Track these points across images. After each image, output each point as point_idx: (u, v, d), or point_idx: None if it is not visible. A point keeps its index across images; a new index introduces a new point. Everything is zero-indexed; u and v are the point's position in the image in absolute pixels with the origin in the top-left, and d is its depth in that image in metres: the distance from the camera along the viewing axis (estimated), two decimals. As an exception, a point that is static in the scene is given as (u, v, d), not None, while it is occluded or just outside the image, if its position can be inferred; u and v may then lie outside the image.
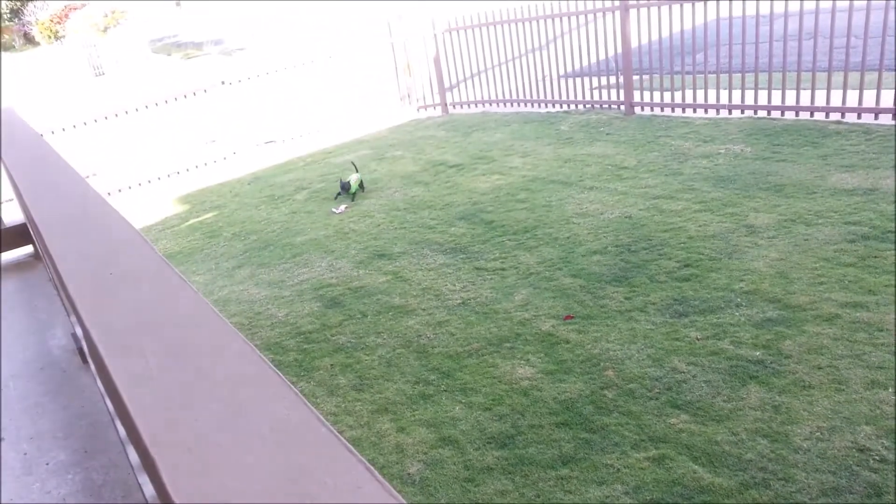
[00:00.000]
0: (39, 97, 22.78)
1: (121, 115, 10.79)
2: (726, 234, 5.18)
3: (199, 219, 8.73)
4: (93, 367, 2.71)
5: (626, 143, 7.92)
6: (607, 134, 8.47)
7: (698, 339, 3.96)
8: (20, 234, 4.38)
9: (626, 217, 5.86)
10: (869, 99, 6.96)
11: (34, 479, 2.67)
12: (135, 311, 1.30)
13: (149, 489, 1.83)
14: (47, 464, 2.76)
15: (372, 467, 0.79)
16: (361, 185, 8.02)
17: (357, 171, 8.14)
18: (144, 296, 1.35)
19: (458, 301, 5.01)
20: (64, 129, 10.53)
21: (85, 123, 10.63)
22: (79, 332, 2.99)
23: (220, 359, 1.07)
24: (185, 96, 11.14)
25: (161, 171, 11.20)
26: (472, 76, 11.39)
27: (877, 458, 2.91)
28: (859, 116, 7.04)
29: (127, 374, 1.06)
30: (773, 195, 5.70)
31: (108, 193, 10.50)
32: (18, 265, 4.62)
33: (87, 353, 2.95)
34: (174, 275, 1.40)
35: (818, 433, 3.11)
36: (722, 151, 6.98)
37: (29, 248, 4.67)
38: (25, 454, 2.80)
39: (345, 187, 7.85)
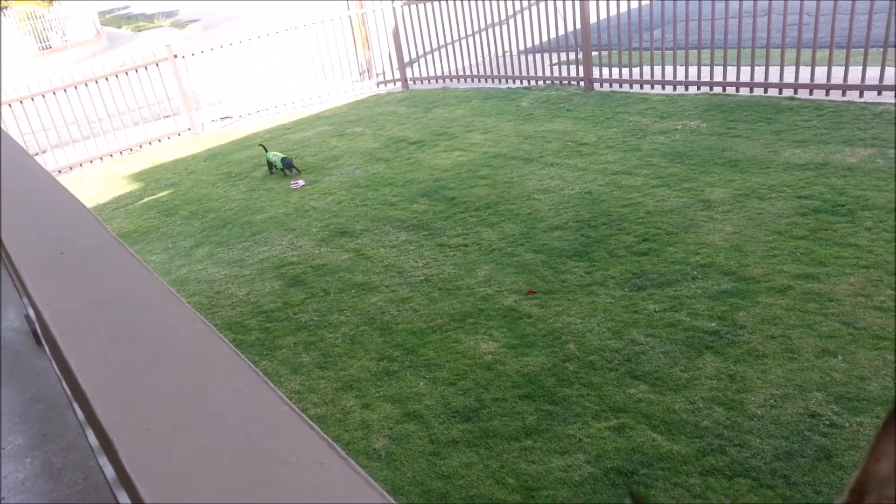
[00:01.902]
0: (-18, 72, 21.87)
1: (69, 89, 10.43)
2: (683, 208, 5.26)
3: (154, 197, 8.53)
4: (47, 349, 2.64)
5: (585, 120, 7.96)
6: (567, 110, 8.50)
7: (656, 312, 4.04)
8: (-35, 215, 4.22)
9: (585, 193, 5.91)
10: (820, 75, 7.11)
11: (-11, 465, 2.60)
12: (88, 292, 1.26)
13: (109, 471, 1.80)
14: (3, 448, 2.69)
15: (335, 444, 0.79)
16: (286, 165, 7.99)
17: (267, 151, 8.33)
18: (98, 276, 1.32)
19: (421, 277, 5.01)
20: (10, 105, 10.15)
21: (32, 99, 10.25)
22: (32, 313, 2.91)
23: (178, 339, 1.05)
24: (136, 70, 10.81)
25: (112, 148, 10.89)
26: (432, 51, 11.28)
27: (827, 422, 3.02)
28: (811, 93, 7.19)
29: (82, 357, 1.03)
30: (728, 170, 5.80)
31: (58, 171, 10.18)
32: (-35, 246, 4.45)
33: (41, 335, 2.88)
34: (129, 255, 1.37)
35: (771, 400, 3.21)
36: (679, 127, 7.08)
37: (-25, 229, 4.51)
38: (-22, 440, 2.72)
39: (288, 164, 7.90)
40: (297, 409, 0.82)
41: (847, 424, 2.99)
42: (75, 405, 2.33)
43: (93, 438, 2.03)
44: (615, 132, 7.32)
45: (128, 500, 1.53)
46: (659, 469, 2.96)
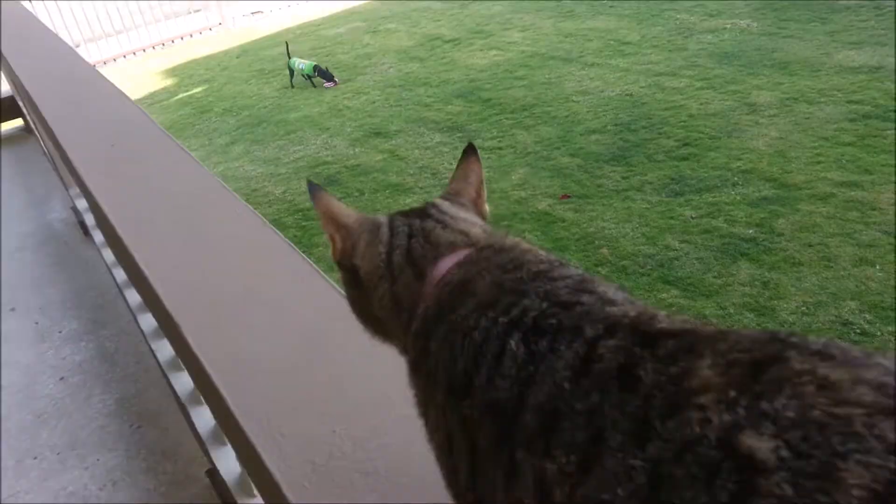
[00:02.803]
0: (11, -38, 21.47)
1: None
2: (727, 112, 5.11)
3: (189, 93, 8.52)
4: (97, 239, 2.74)
5: (629, 17, 7.63)
6: (611, 6, 8.14)
7: (692, 218, 4.01)
8: (8, 108, 4.29)
9: (626, 95, 5.75)
10: (885, -30, 6.66)
11: (48, 347, 2.77)
12: (143, 184, 1.30)
13: (162, 354, 1.91)
14: (60, 332, 2.85)
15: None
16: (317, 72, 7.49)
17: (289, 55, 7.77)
18: (150, 169, 1.35)
19: (455, 179, 5.00)
20: (41, -3, 10.04)
21: (63, -9, 10.11)
22: (80, 205, 3.00)
23: (231, 228, 1.09)
24: (167, -38, 10.54)
25: (145, 43, 10.79)
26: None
27: (858, 331, 3.04)
28: (873, -11, 6.76)
29: (141, 243, 1.08)
30: (777, 72, 5.57)
31: (94, 65, 10.16)
32: (9, 139, 4.55)
33: (88, 226, 2.98)
34: (178, 149, 1.40)
35: (804, 308, 3.22)
36: (728, 26, 6.75)
37: (19, 122, 4.59)
38: (37, 323, 2.89)
39: (326, 75, 7.40)
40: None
41: (879, 333, 3.00)
42: (127, 293, 2.44)
43: (145, 324, 2.14)
44: (660, 30, 7.01)
45: (186, 382, 1.62)
46: (686, 370, 3.03)
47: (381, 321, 0.68)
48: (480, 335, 0.52)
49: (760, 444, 0.35)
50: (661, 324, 0.46)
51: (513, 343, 0.49)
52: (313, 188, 0.73)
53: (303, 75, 7.62)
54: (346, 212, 0.73)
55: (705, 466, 0.36)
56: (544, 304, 0.51)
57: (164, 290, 0.92)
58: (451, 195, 0.73)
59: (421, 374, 0.60)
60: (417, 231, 0.66)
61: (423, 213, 0.69)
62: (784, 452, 0.34)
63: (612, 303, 0.50)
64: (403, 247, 0.66)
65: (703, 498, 0.35)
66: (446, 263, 0.62)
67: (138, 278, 1.06)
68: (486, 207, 0.74)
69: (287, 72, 7.77)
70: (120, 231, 1.10)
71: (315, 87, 7.54)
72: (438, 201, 0.71)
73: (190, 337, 0.83)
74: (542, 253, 0.60)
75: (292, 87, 7.67)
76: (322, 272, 0.93)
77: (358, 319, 0.72)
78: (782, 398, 0.36)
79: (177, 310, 0.88)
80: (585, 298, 0.51)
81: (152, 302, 1.01)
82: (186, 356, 0.90)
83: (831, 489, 0.32)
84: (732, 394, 0.38)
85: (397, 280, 0.64)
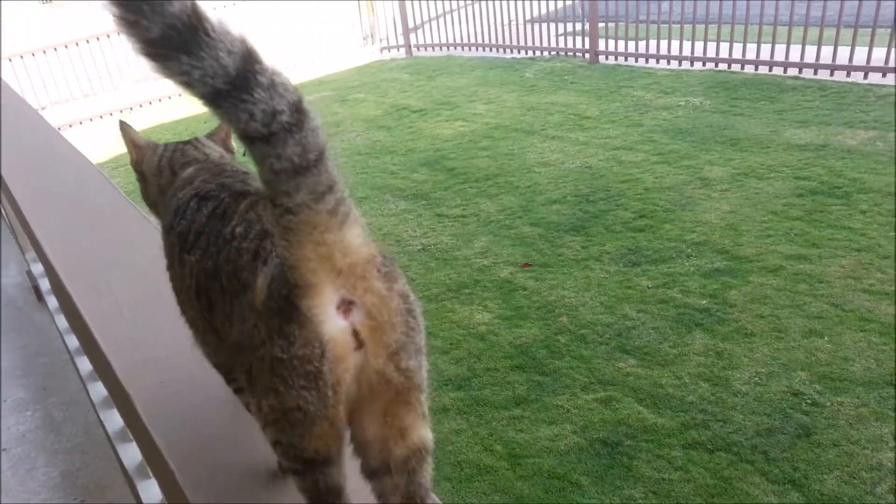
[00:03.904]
0: (-19, 23, 21.54)
1: (71, 46, 10.34)
2: (681, 186, 5.30)
3: (155, 157, 8.52)
4: (50, 305, 2.69)
5: (589, 93, 7.94)
6: (571, 82, 8.47)
7: (649, 288, 4.10)
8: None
9: (585, 167, 5.94)
10: (826, 55, 7.08)
11: (-7, 416, 2.67)
12: (101, 250, 1.31)
13: (111, 425, 1.87)
14: (5, 401, 2.76)
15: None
16: None
17: None
18: (111, 235, 1.36)
19: (419, 247, 5.06)
20: (10, 60, 10.07)
21: (33, 54, 10.17)
22: (35, 269, 2.96)
23: (188, 299, 1.10)
24: (139, 28, 10.69)
25: (113, 106, 10.84)
26: (437, 17, 11.18)
27: (809, 401, 3.11)
28: (815, 72, 7.17)
29: (96, 311, 1.08)
30: (728, 148, 5.82)
31: (59, 128, 10.13)
32: (-33, 201, 4.48)
33: (43, 291, 2.93)
34: (139, 215, 1.41)
35: (756, 378, 3.29)
36: (682, 104, 7.07)
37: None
38: (-17, 391, 2.79)
39: None
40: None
41: (828, 404, 3.07)
42: (77, 360, 2.39)
43: (95, 393, 2.09)
44: (618, 106, 7.31)
45: (134, 454, 1.59)
46: (643, 441, 3.05)
47: (156, 203, 1.08)
48: (185, 199, 0.92)
49: (238, 230, 0.78)
50: (251, 189, 0.88)
51: (193, 203, 0.90)
52: (122, 124, 1.13)
53: None
54: (141, 138, 1.12)
55: (224, 249, 0.78)
56: (216, 186, 0.91)
57: (116, 359, 0.93)
58: (210, 135, 1.15)
59: (165, 224, 0.98)
60: (179, 150, 1.08)
61: (187, 142, 1.11)
62: (241, 231, 0.78)
63: (245, 183, 0.91)
64: (168, 157, 1.07)
65: (224, 256, 0.78)
66: (189, 168, 1.03)
67: (90, 346, 1.06)
68: (233, 145, 1.12)
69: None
70: (74, 296, 1.10)
71: None
72: (200, 137, 1.13)
73: (140, 408, 0.83)
74: (238, 166, 1.03)
75: None
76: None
77: (146, 203, 1.12)
78: (251, 211, 0.79)
79: (128, 380, 0.88)
80: (237, 185, 0.90)
81: (103, 371, 1.01)
82: (136, 428, 0.90)
83: (244, 240, 0.77)
84: (243, 215, 0.80)
85: (162, 176, 1.06)
